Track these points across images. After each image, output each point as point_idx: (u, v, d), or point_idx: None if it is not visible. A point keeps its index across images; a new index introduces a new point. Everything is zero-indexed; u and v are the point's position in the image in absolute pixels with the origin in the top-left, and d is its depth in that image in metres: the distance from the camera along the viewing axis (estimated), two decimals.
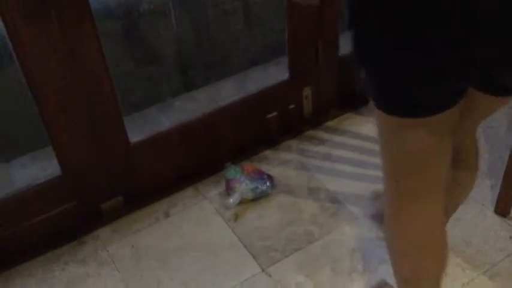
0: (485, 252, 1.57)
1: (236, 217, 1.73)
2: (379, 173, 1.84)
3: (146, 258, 1.63)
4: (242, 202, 1.76)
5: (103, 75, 1.53)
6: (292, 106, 2.00)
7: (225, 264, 1.59)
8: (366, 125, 2.05)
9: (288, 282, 1.53)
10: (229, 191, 1.78)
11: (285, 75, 1.95)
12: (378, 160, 1.90)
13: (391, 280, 1.51)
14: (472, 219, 1.67)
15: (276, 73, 2.02)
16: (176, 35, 2.18)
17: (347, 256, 1.58)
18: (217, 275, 1.56)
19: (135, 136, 1.72)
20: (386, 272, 1.53)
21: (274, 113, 1.97)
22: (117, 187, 1.75)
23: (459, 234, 1.62)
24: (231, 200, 1.76)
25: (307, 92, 2.00)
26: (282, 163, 1.91)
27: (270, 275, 1.55)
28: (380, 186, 1.77)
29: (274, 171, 1.86)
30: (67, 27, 1.41)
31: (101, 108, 1.58)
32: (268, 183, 1.79)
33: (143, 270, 1.60)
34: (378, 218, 1.63)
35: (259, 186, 1.77)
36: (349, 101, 2.12)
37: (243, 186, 1.76)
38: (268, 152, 1.96)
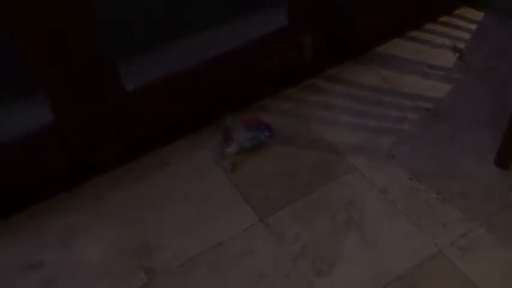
0: (483, 204, 1.57)
1: (234, 167, 1.72)
2: (379, 124, 1.84)
3: (144, 208, 1.63)
4: (240, 152, 1.74)
5: (90, 20, 1.48)
6: (291, 54, 1.95)
7: (223, 214, 1.59)
8: (367, 74, 2.01)
9: (285, 233, 1.53)
10: (227, 140, 1.76)
11: (284, 21, 1.88)
12: (378, 110, 1.90)
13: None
14: (471, 169, 1.66)
15: (275, 18, 1.96)
16: None
17: (345, 207, 1.58)
18: (215, 225, 1.57)
19: (130, 84, 1.67)
20: (382, 223, 1.54)
21: (274, 61, 1.92)
22: (115, 137, 1.73)
23: (457, 185, 1.62)
24: (229, 150, 1.74)
25: (307, 39, 1.95)
26: (281, 112, 1.88)
27: (267, 225, 1.55)
28: (378, 137, 1.76)
29: (273, 120, 1.83)
30: None
31: (89, 57, 1.53)
32: (266, 133, 1.77)
33: (141, 220, 1.60)
34: None
35: (258, 136, 1.75)
36: (351, 49, 2.06)
37: (241, 136, 1.74)
38: (267, 101, 1.93)
